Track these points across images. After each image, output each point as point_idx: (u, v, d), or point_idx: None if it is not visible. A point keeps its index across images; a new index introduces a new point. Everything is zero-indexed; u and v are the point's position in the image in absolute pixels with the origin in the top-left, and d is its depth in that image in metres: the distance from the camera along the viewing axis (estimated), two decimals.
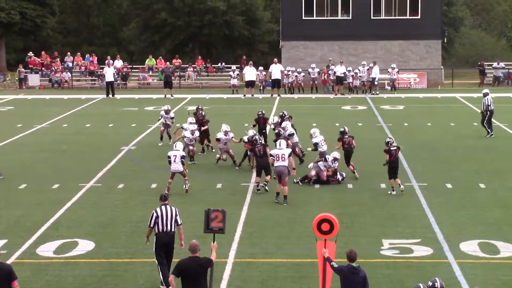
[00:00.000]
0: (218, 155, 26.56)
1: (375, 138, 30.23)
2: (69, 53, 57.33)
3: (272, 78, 47.76)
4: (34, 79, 53.50)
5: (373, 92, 47.64)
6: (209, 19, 63.54)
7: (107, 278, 16.01)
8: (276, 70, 47.63)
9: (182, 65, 55.96)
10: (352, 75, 48.13)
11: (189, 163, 25.77)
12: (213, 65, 57.03)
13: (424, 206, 21.34)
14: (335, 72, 47.98)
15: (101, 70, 52.81)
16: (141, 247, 17.03)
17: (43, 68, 54.83)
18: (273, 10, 71.21)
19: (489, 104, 32.01)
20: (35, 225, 19.70)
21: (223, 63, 57.61)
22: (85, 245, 18.04)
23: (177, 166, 22.45)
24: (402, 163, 26.57)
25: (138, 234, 18.59)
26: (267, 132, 28.61)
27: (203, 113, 29.36)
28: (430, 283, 11.75)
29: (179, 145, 23.21)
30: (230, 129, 26.54)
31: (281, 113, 28.37)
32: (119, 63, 54.23)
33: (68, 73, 53.86)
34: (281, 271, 16.27)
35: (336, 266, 12.68)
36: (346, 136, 25.05)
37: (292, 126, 26.88)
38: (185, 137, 26.61)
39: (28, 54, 56.37)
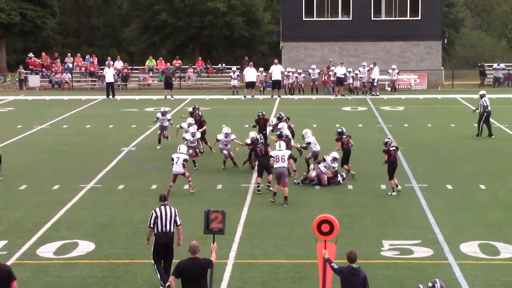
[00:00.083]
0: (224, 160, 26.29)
1: (375, 139, 30.22)
2: (69, 54, 57.35)
3: (272, 79, 47.77)
4: (34, 80, 53.50)
5: (373, 93, 47.65)
6: (210, 20, 63.54)
7: (107, 279, 16.01)
8: (276, 71, 47.63)
9: (182, 66, 55.95)
10: (353, 76, 48.15)
11: (194, 169, 25.60)
12: (213, 66, 57.03)
13: (424, 207, 21.34)
14: (335, 73, 47.98)
15: (101, 71, 52.82)
16: (141, 248, 17.02)
17: (43, 69, 54.84)
18: (274, 11, 71.22)
19: (487, 105, 31.98)
20: (35, 226, 19.70)
21: (223, 64, 57.62)
22: (85, 246, 18.04)
23: (178, 168, 22.42)
24: (402, 164, 26.58)
25: (138, 235, 18.59)
26: (268, 133, 28.58)
27: (200, 113, 29.24)
28: (430, 284, 11.75)
29: (183, 148, 23.17)
30: (231, 130, 26.44)
31: (278, 115, 28.37)
32: (119, 64, 54.24)
33: (69, 74, 53.86)
34: (282, 272, 16.27)
35: (336, 267, 12.68)
36: (344, 136, 25.08)
37: (290, 127, 26.87)
38: (186, 139, 26.34)
39: (29, 55, 56.39)
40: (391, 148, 22.65)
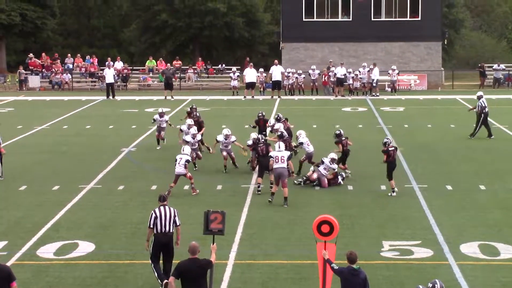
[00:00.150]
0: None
1: (375, 140, 30.20)
2: (69, 55, 57.37)
3: (272, 79, 47.78)
4: (34, 81, 53.51)
5: (373, 93, 47.65)
6: (210, 20, 63.53)
7: (107, 279, 16.02)
8: (276, 72, 47.64)
9: (182, 67, 55.95)
10: (353, 77, 48.16)
11: (194, 169, 25.57)
12: (213, 67, 57.04)
13: (424, 207, 21.34)
14: (335, 74, 48.00)
15: (102, 72, 52.83)
16: (141, 248, 17.01)
17: (43, 70, 54.86)
18: (274, 11, 71.22)
19: (484, 106, 31.95)
20: (35, 226, 19.70)
21: (224, 65, 57.63)
22: (85, 247, 18.04)
23: (180, 169, 22.41)
24: (402, 164, 26.60)
25: (138, 235, 18.59)
26: (267, 134, 28.55)
27: (198, 114, 29.12)
28: (430, 285, 11.74)
29: (187, 149, 23.15)
30: (231, 132, 26.37)
31: (276, 115, 28.37)
32: (119, 64, 54.25)
33: (69, 75, 53.87)
34: (282, 273, 16.27)
35: (336, 267, 12.67)
36: (343, 138, 25.13)
37: (288, 129, 26.86)
38: (187, 141, 26.18)
39: (29, 55, 56.41)
40: (390, 149, 22.66)
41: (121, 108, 42.85)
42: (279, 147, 22.24)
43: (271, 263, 16.85)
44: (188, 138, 26.00)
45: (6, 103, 45.65)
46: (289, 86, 49.18)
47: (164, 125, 29.92)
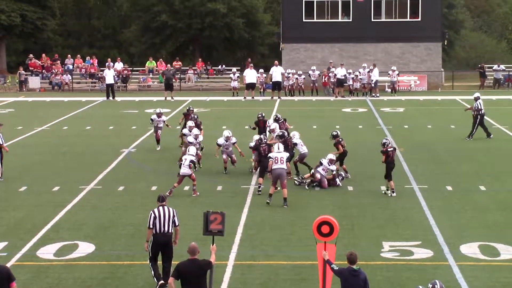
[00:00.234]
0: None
1: (375, 141, 30.16)
2: (69, 56, 57.40)
3: (272, 80, 47.79)
4: (34, 82, 53.53)
5: (374, 94, 47.66)
6: (210, 21, 63.54)
7: (107, 280, 16.02)
8: (277, 72, 47.65)
9: (182, 68, 55.96)
10: (353, 78, 48.18)
11: (194, 170, 25.50)
12: (213, 68, 57.06)
13: (424, 208, 21.34)
14: (335, 75, 48.02)
15: (102, 73, 52.85)
16: (141, 249, 17.01)
17: (43, 71, 54.90)
18: (274, 12, 71.25)
19: (480, 108, 31.94)
20: (36, 227, 19.70)
21: (224, 66, 57.64)
22: (85, 248, 18.04)
23: (185, 169, 22.43)
24: (402, 165, 26.61)
25: (138, 236, 18.59)
26: (267, 135, 28.52)
27: (196, 116, 29.00)
28: (430, 286, 11.75)
29: (192, 149, 23.14)
30: (231, 133, 26.30)
31: (275, 116, 28.36)
32: (119, 65, 54.28)
33: (69, 76, 53.90)
34: (282, 274, 16.27)
35: (336, 268, 12.68)
36: (341, 139, 25.18)
37: (286, 130, 26.84)
38: (190, 142, 26.06)
39: (29, 56, 56.43)
40: (389, 149, 22.67)
41: (121, 109, 42.86)
42: (278, 148, 22.25)
43: (271, 264, 16.85)
44: (190, 139, 25.86)
45: (6, 104, 45.66)
46: (289, 87, 49.19)
47: (161, 125, 29.84)
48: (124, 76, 53.91)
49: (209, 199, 22.41)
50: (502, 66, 54.23)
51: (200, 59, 58.94)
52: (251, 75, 47.78)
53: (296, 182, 24.05)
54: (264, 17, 68.79)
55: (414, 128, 35.31)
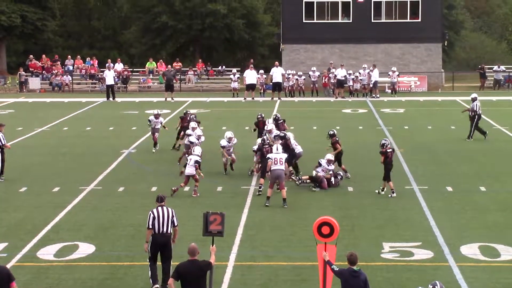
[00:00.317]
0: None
1: (375, 141, 30.11)
2: (69, 56, 57.40)
3: (273, 81, 47.78)
4: (34, 82, 53.53)
5: (374, 95, 47.66)
6: (210, 22, 63.56)
7: (108, 281, 16.02)
8: (277, 73, 47.64)
9: (182, 68, 55.96)
10: (353, 78, 48.18)
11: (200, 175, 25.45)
12: (213, 68, 57.06)
13: (424, 209, 21.33)
14: (335, 75, 48.01)
15: (102, 73, 52.85)
16: (141, 250, 17.01)
17: (43, 72, 54.89)
18: (274, 13, 71.25)
19: (476, 109, 31.93)
20: (36, 228, 19.70)
21: (224, 66, 57.63)
22: (85, 248, 18.04)
23: (190, 169, 22.44)
24: (403, 166, 26.61)
25: (138, 237, 18.58)
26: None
27: (194, 116, 28.91)
28: (430, 287, 11.74)
29: (197, 149, 23.12)
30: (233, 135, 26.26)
31: (274, 116, 28.35)
32: (119, 66, 54.28)
33: (69, 76, 53.89)
34: (282, 274, 16.26)
35: (337, 269, 12.67)
36: (337, 138, 25.21)
37: (285, 130, 26.83)
38: (192, 142, 26.04)
39: (29, 57, 56.43)
40: (388, 150, 22.67)
41: (121, 110, 42.85)
42: (277, 149, 22.24)
43: (272, 265, 16.84)
44: (192, 139, 25.78)
45: (6, 105, 45.66)
46: (289, 88, 49.20)
47: (159, 126, 29.75)
48: (124, 77, 53.91)
49: (209, 199, 22.41)
50: (502, 67, 54.24)
51: (200, 60, 58.95)
52: (251, 76, 47.78)
53: (297, 183, 24.04)
54: (264, 18, 68.80)
55: (414, 129, 35.30)
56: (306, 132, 33.67)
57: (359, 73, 48.46)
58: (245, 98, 47.24)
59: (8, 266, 15.89)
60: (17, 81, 53.79)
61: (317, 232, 13.40)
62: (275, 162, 21.71)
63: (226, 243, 17.48)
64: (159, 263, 15.50)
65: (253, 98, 47.23)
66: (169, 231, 15.32)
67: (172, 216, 15.39)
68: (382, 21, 53.01)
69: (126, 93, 52.43)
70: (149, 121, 29.92)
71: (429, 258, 17.25)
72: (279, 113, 29.94)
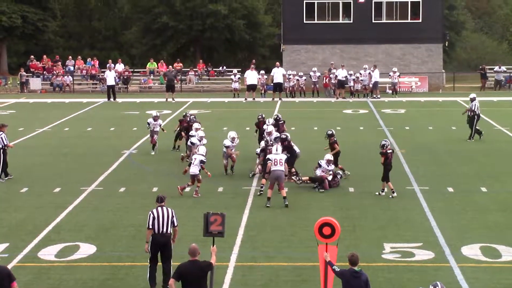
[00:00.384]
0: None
1: (376, 142, 30.10)
2: (70, 57, 57.43)
3: (274, 81, 47.79)
4: (35, 83, 53.56)
5: (374, 95, 47.65)
6: (211, 23, 63.58)
7: (109, 281, 16.03)
8: (278, 74, 47.64)
9: (183, 69, 55.97)
10: (354, 79, 48.19)
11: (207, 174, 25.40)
12: (214, 69, 57.06)
13: (425, 209, 21.33)
14: (336, 76, 48.01)
15: (103, 74, 52.86)
16: (142, 250, 17.02)
17: (44, 72, 54.91)
18: (274, 14, 71.25)
19: (475, 109, 31.91)
20: (37, 228, 19.71)
21: (224, 67, 57.63)
22: (86, 249, 18.04)
23: (193, 168, 22.44)
24: (404, 166, 26.61)
25: (139, 237, 18.58)
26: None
27: (193, 117, 28.87)
28: (431, 287, 11.74)
29: (202, 149, 23.11)
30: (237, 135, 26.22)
31: (275, 116, 28.34)
32: (120, 66, 54.30)
33: (70, 77, 53.91)
34: (283, 275, 16.27)
35: (338, 270, 12.67)
36: (335, 138, 25.24)
37: (284, 131, 26.81)
38: (193, 143, 25.99)
39: (30, 58, 56.45)
40: (388, 151, 22.68)
41: (122, 110, 42.87)
42: (277, 150, 22.24)
43: (272, 265, 16.85)
44: (194, 140, 25.75)
45: (7, 106, 45.68)
46: (290, 88, 49.20)
47: (157, 129, 29.67)
48: (125, 77, 53.92)
49: (210, 200, 22.41)
50: (503, 68, 54.23)
51: (201, 61, 58.95)
52: (252, 76, 47.78)
53: (298, 182, 24.05)
54: (265, 19, 68.81)
55: (415, 130, 35.30)
56: (306, 132, 33.68)
57: (360, 74, 48.46)
58: (246, 99, 47.23)
59: (9, 266, 15.89)
60: (18, 82, 53.81)
61: (318, 233, 13.41)
62: (275, 163, 21.71)
63: (227, 244, 17.48)
64: (159, 263, 15.51)
65: (254, 99, 47.22)
66: (169, 231, 15.33)
67: (172, 216, 15.41)
68: (383, 21, 53.01)
69: (127, 93, 52.44)
70: (148, 123, 29.86)
71: (430, 258, 17.25)
72: (280, 113, 29.92)
